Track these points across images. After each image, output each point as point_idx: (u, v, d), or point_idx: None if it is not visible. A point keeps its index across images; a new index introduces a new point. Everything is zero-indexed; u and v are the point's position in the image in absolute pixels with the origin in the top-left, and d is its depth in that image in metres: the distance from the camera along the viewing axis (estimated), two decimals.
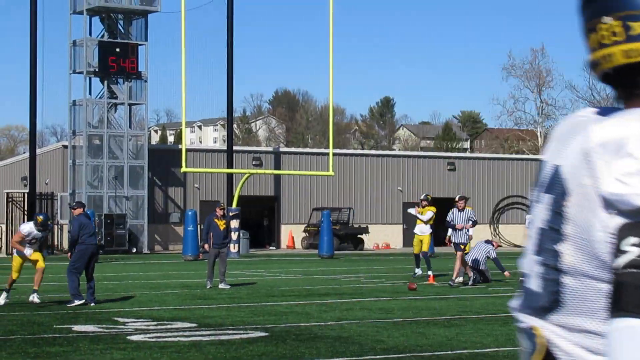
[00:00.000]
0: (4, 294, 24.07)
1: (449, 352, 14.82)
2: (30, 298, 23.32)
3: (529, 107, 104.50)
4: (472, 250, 30.86)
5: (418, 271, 32.81)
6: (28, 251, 25.15)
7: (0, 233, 61.75)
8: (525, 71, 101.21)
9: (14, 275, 24.17)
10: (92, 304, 22.87)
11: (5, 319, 19.83)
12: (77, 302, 22.62)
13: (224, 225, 29.77)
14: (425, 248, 32.54)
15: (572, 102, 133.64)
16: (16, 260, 24.51)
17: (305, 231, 65.45)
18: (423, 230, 32.58)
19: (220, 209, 30.16)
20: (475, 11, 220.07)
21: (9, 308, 22.24)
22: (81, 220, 23.80)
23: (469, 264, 30.56)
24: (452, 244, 29.55)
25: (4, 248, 59.10)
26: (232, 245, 53.01)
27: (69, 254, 24.35)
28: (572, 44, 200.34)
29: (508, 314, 20.60)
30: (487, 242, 32.04)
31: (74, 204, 25.99)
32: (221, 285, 28.88)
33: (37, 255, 24.39)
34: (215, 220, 29.69)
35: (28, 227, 24.72)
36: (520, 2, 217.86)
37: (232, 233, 53.36)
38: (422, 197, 33.85)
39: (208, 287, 28.76)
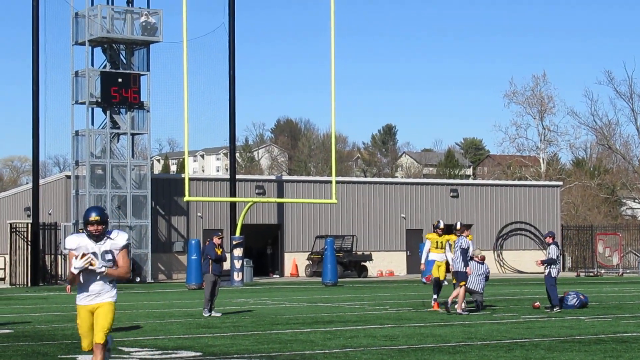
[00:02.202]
0: None
1: None
2: None
3: (531, 134, 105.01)
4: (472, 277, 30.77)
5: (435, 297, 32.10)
6: None
7: (3, 264, 61.80)
8: (526, 98, 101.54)
9: None
10: None
11: (10, 349, 19.82)
12: None
13: (221, 252, 29.75)
14: (442, 275, 32.21)
15: (574, 128, 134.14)
16: None
17: (308, 259, 65.42)
18: (442, 257, 32.18)
19: (219, 238, 30.09)
20: (477, 38, 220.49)
21: (13, 339, 22.22)
22: None
23: (479, 290, 30.59)
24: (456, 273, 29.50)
25: (7, 278, 59.09)
26: (235, 274, 53.11)
27: (68, 286, 24.14)
28: (574, 70, 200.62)
29: (512, 339, 20.68)
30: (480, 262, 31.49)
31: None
32: (213, 313, 28.98)
33: None
34: (215, 248, 29.67)
35: None
36: (521, 28, 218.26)
37: (236, 261, 53.51)
38: (439, 224, 33.07)
39: (206, 315, 28.78)
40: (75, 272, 12.83)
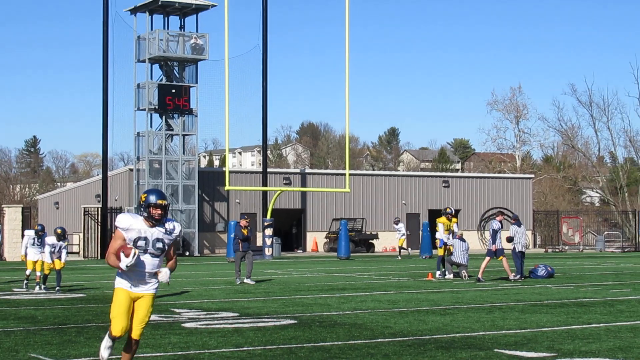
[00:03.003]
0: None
1: (445, 336, 14.79)
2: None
3: (509, 135, 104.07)
4: (457, 252, 30.75)
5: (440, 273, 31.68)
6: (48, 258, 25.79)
7: (78, 240, 61.96)
8: (505, 105, 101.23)
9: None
10: None
11: (83, 310, 19.87)
12: None
13: (247, 232, 29.71)
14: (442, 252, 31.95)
15: (544, 130, 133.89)
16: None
17: (326, 237, 65.40)
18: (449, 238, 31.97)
19: (246, 221, 30.11)
20: (465, 54, 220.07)
21: (86, 301, 22.27)
22: None
23: (464, 263, 30.58)
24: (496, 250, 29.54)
25: (81, 252, 59.23)
26: (266, 249, 53.13)
27: None
28: (544, 82, 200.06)
29: (492, 303, 20.61)
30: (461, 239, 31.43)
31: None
32: (246, 280, 28.92)
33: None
34: (242, 229, 29.63)
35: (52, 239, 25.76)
36: (501, 49, 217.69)
37: (267, 239, 53.53)
38: (450, 211, 32.84)
39: (238, 283, 28.74)
40: (125, 269, 10.23)
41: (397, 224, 52.78)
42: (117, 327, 10.37)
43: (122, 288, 10.47)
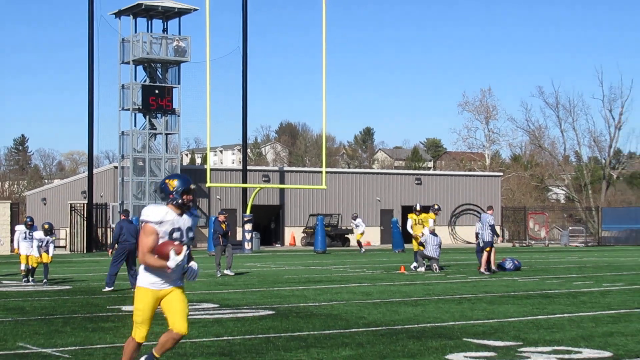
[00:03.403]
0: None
1: (416, 326, 14.84)
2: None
3: (479, 135, 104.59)
4: (430, 246, 30.84)
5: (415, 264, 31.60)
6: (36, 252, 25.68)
7: (65, 235, 61.76)
8: (476, 107, 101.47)
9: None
10: (134, 289, 22.80)
11: (69, 301, 19.82)
12: (107, 289, 22.62)
13: (225, 227, 29.79)
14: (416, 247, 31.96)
15: (513, 131, 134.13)
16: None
17: (304, 232, 65.43)
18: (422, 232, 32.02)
19: (223, 216, 30.16)
20: (438, 60, 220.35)
21: (72, 293, 22.22)
22: (122, 224, 23.59)
23: (436, 257, 30.67)
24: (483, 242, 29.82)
25: (68, 246, 59.05)
26: (246, 243, 53.09)
27: (109, 250, 24.03)
28: (513, 85, 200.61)
29: (462, 295, 20.68)
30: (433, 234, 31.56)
31: (122, 211, 25.77)
32: (226, 272, 28.94)
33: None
34: (221, 224, 29.71)
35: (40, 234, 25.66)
36: (472, 53, 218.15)
37: (247, 234, 53.49)
38: (437, 207, 33.06)
39: (218, 275, 28.73)
40: (174, 268, 8.84)
41: (355, 219, 52.50)
42: (142, 333, 9.25)
43: (147, 288, 9.09)
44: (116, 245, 23.44)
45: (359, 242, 51.58)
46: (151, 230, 8.91)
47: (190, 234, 9.12)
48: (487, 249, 29.62)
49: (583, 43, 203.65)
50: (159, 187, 9.21)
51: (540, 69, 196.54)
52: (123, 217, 24.12)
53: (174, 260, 8.78)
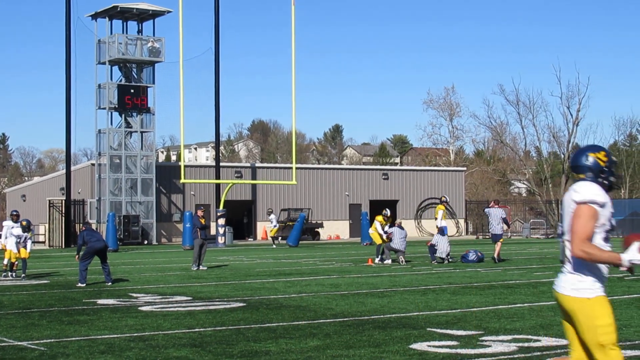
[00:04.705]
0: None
1: (382, 316, 14.84)
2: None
3: (443, 131, 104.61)
4: (396, 239, 30.96)
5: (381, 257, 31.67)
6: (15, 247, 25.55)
7: (44, 230, 61.37)
8: (440, 104, 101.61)
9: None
10: (109, 283, 22.73)
11: (47, 295, 19.70)
12: (80, 284, 22.48)
13: (204, 221, 29.70)
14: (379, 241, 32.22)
15: (475, 127, 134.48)
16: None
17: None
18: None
19: (201, 211, 30.05)
20: (404, 58, 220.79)
21: (50, 287, 22.09)
22: (83, 235, 23.29)
23: (402, 249, 30.74)
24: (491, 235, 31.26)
25: (46, 241, 58.69)
26: (219, 238, 52.95)
27: (76, 256, 23.71)
28: (475, 83, 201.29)
29: (427, 286, 20.71)
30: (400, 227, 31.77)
31: (83, 223, 25.79)
32: (200, 267, 28.89)
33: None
34: (199, 219, 29.58)
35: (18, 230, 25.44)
36: (436, 51, 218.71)
37: (220, 228, 53.34)
38: (386, 213, 33.31)
39: (194, 269, 28.65)
40: (629, 265, 6.08)
41: (269, 215, 52.48)
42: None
43: (604, 296, 6.29)
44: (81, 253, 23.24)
45: (272, 238, 51.94)
46: (592, 212, 6.22)
47: (613, 221, 6.42)
48: (501, 240, 30.70)
49: (542, 42, 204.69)
50: (576, 164, 6.48)
51: (501, 68, 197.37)
52: (84, 228, 23.84)
53: (635, 256, 6.15)
